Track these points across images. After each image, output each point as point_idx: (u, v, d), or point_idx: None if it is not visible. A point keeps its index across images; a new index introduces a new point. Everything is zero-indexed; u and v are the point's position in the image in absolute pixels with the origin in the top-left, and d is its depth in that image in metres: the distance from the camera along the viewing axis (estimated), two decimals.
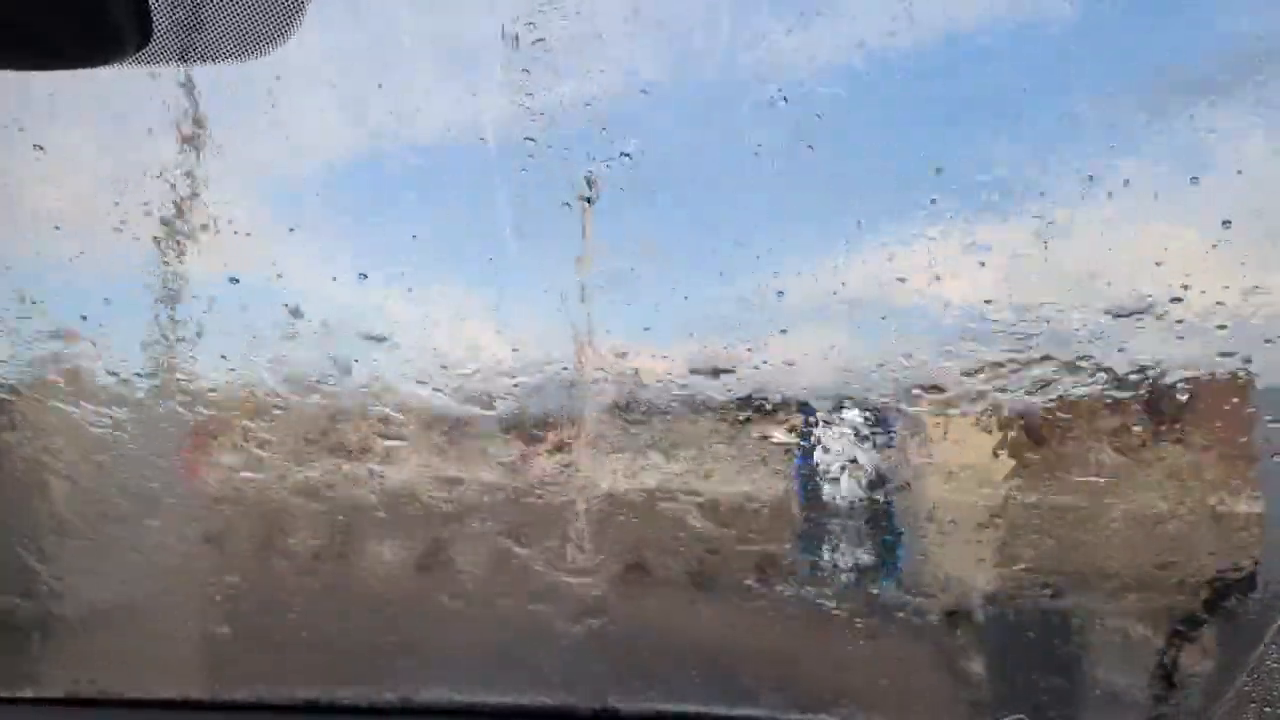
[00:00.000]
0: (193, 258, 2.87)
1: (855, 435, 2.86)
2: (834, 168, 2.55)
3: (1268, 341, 2.18)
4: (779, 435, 2.93)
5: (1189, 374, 2.34)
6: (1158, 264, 2.29)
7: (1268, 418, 2.25)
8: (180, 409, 3.12)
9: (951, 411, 2.67)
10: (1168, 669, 1.96)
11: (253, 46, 1.18)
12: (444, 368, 2.94)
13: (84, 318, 2.92)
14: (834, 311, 2.65)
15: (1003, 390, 2.58)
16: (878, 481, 2.87)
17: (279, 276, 2.92)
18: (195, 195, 2.77)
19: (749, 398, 2.81)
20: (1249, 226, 2.23)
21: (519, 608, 3.03)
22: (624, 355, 2.77)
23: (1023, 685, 2.47)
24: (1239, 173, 2.25)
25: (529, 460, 3.09)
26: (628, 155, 2.62)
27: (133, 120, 2.70)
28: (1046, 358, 2.51)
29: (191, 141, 2.66)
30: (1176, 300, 2.26)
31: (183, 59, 1.19)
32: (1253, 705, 1.32)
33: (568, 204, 2.66)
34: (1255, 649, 1.47)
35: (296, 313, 2.93)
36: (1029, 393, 2.57)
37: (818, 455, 2.90)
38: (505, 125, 2.60)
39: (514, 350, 2.83)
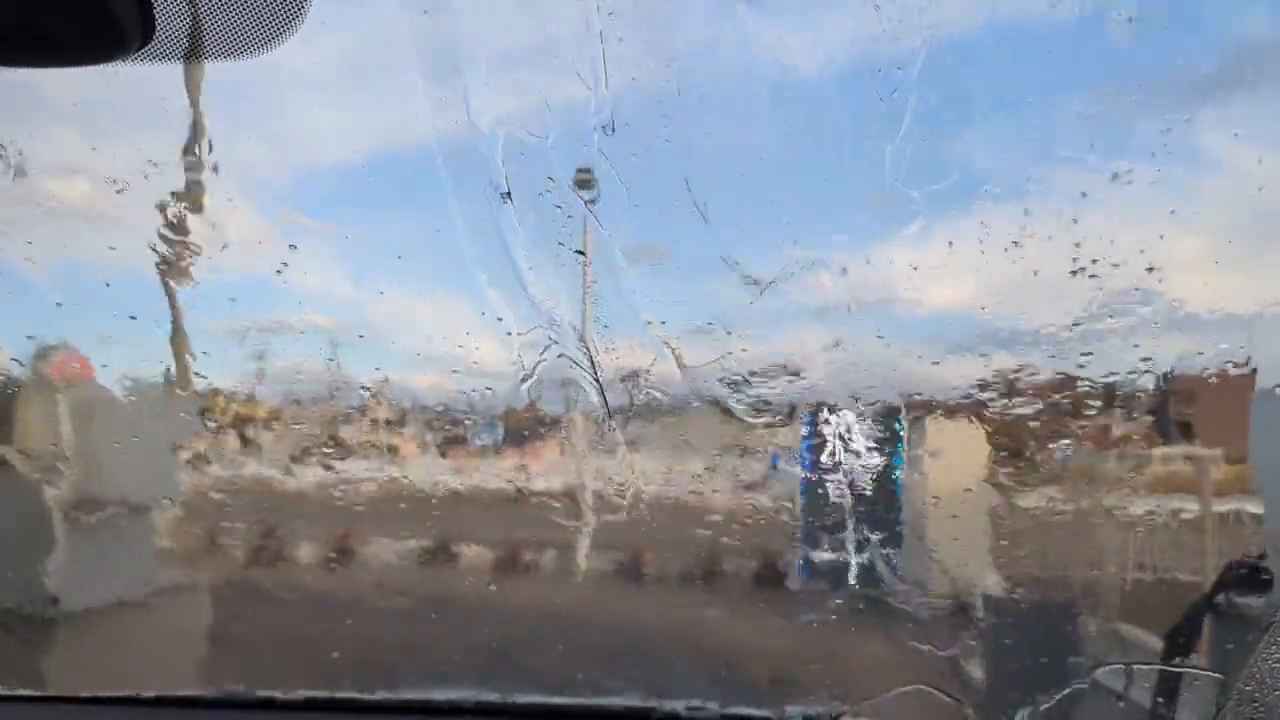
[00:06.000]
0: (192, 257, 2.87)
1: (856, 435, 2.86)
2: (833, 168, 2.55)
3: (1269, 341, 2.18)
4: (780, 434, 2.93)
5: (1189, 374, 2.34)
6: (1158, 264, 2.29)
7: (1267, 418, 2.25)
8: (180, 408, 3.12)
9: (951, 412, 2.67)
10: (1167, 669, 1.95)
11: (256, 44, 1.18)
12: (443, 367, 2.94)
13: (83, 317, 2.92)
14: (834, 311, 2.65)
15: (1003, 391, 2.58)
16: (878, 481, 2.87)
17: (276, 275, 2.91)
18: (195, 193, 2.77)
19: (750, 396, 2.81)
20: (1250, 227, 2.23)
21: (520, 606, 3.03)
22: (624, 354, 2.77)
23: (1022, 686, 2.46)
24: (1239, 173, 2.25)
25: (530, 458, 3.09)
26: (627, 155, 2.62)
27: (134, 117, 2.70)
28: (1046, 358, 2.51)
29: (193, 139, 2.66)
30: (1177, 300, 2.26)
31: (186, 57, 1.19)
32: (1253, 705, 1.32)
33: (567, 204, 2.66)
34: (1255, 649, 1.46)
35: (292, 312, 2.93)
36: (1029, 393, 2.57)
37: (818, 454, 2.90)
38: (506, 125, 2.60)
39: (513, 350, 2.83)
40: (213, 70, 2.46)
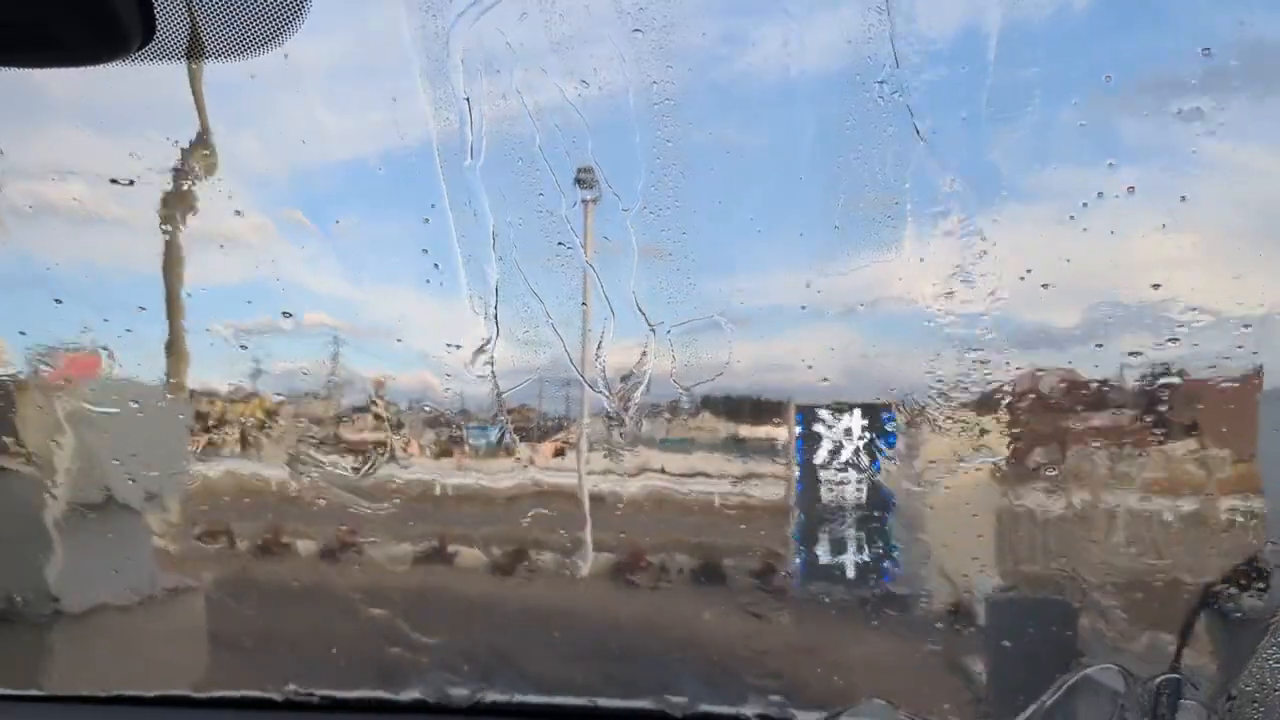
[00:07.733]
0: (191, 255, 2.87)
1: (856, 435, 2.86)
2: (833, 168, 2.55)
3: (1269, 341, 2.18)
4: (779, 434, 2.93)
5: (1189, 374, 2.34)
6: (1159, 264, 2.29)
7: (1269, 418, 2.26)
8: (179, 407, 3.12)
9: (951, 412, 2.67)
10: (1167, 670, 1.95)
11: (256, 44, 1.18)
12: (443, 367, 2.94)
13: (85, 319, 2.92)
14: (834, 311, 2.66)
15: (1003, 391, 2.58)
16: (878, 480, 2.87)
17: (276, 278, 2.92)
18: (194, 192, 2.77)
19: (751, 397, 2.81)
20: (1250, 227, 2.23)
21: (520, 606, 3.03)
22: (624, 354, 2.77)
23: (1021, 684, 2.46)
24: (1239, 173, 2.25)
25: (529, 459, 3.09)
26: (628, 155, 2.62)
27: (134, 117, 2.71)
28: (1047, 359, 2.51)
29: (193, 138, 2.67)
30: (1177, 301, 2.26)
31: (186, 57, 1.19)
32: (1253, 705, 1.32)
33: (568, 204, 2.66)
34: (1255, 649, 1.47)
35: (293, 313, 2.93)
36: (1029, 394, 2.57)
37: (818, 455, 2.90)
38: (506, 124, 2.60)
39: (514, 350, 2.83)
40: (213, 70, 2.46)
